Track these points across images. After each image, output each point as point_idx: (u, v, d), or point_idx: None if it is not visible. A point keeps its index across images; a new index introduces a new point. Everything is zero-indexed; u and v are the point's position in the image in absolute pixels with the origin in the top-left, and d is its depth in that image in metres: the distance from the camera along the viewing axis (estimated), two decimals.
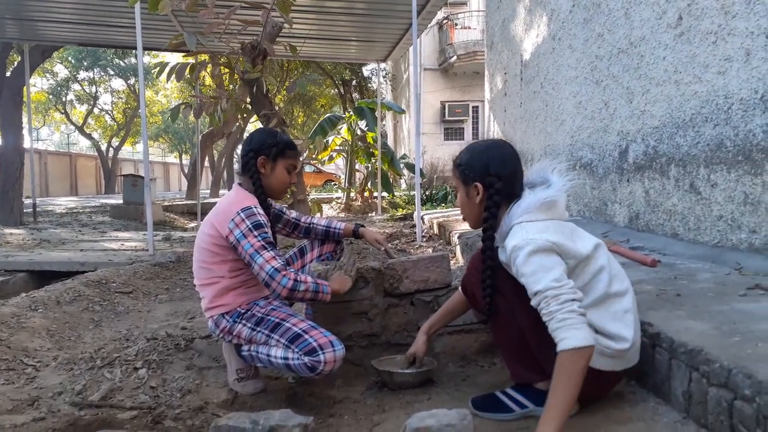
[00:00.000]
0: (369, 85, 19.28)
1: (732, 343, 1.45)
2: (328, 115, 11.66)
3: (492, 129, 7.29)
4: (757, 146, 2.43)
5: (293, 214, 2.46)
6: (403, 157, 13.31)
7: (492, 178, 1.62)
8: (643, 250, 2.95)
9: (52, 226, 8.45)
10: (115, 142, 28.46)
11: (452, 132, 18.42)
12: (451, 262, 4.22)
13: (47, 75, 24.77)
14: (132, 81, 25.61)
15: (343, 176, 13.63)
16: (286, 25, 5.40)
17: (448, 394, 1.95)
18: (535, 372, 1.65)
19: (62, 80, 25.57)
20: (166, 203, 12.29)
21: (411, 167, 11.75)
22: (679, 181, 3.03)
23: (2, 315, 2.97)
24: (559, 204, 1.60)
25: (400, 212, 9.17)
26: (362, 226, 2.48)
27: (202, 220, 2.30)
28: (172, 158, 43.92)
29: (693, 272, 2.39)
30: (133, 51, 14.87)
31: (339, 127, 11.26)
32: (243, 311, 2.08)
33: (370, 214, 9.86)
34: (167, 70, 5.43)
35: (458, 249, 4.61)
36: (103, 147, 28.14)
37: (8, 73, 8.90)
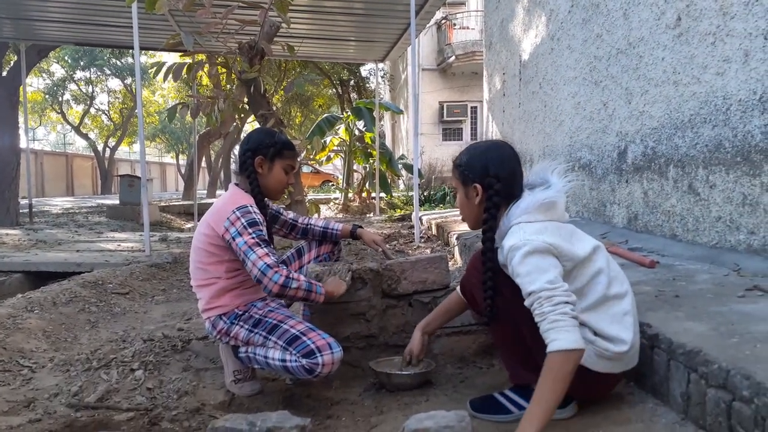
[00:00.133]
0: (367, 85, 19.30)
1: (730, 344, 1.45)
2: (325, 115, 11.67)
3: (491, 129, 7.30)
4: (755, 147, 2.43)
5: (291, 214, 2.45)
6: (402, 157, 13.33)
7: (491, 179, 1.61)
8: (642, 251, 2.95)
9: (49, 226, 8.43)
10: (112, 142, 28.41)
11: (451, 132, 18.44)
12: (450, 263, 4.22)
13: (44, 75, 24.72)
14: (129, 81, 25.56)
15: (341, 177, 13.63)
16: (283, 25, 5.39)
17: (447, 395, 1.95)
18: (533, 373, 1.63)
19: (59, 80, 25.51)
20: (162, 204, 12.26)
21: (409, 168, 11.75)
22: (677, 182, 3.03)
23: None
24: (559, 205, 1.60)
25: (398, 213, 9.17)
26: (360, 227, 2.47)
27: (198, 220, 2.29)
28: (168, 158, 43.87)
29: (691, 273, 2.39)
30: (130, 51, 14.85)
31: (337, 127, 11.26)
32: (240, 312, 2.07)
33: (368, 215, 9.85)
34: (164, 69, 5.43)
35: (456, 250, 4.60)
36: (100, 147, 28.08)
37: (4, 73, 8.87)
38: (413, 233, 5.91)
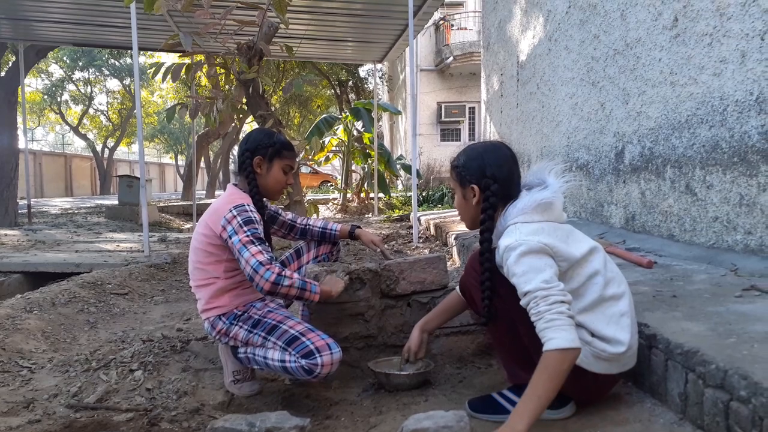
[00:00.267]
0: (365, 85, 19.30)
1: (728, 344, 1.45)
2: (324, 115, 11.67)
3: (488, 130, 7.30)
4: (752, 148, 2.44)
5: (289, 215, 2.45)
6: (400, 158, 13.33)
7: (488, 180, 1.62)
8: (639, 252, 2.95)
9: (47, 227, 8.42)
10: (111, 142, 28.38)
11: (449, 133, 18.44)
12: (448, 264, 4.23)
13: (42, 75, 24.70)
14: (127, 81, 25.55)
15: (339, 177, 13.64)
16: (282, 26, 5.39)
17: (445, 395, 1.95)
18: (530, 373, 1.64)
19: (57, 80, 25.48)
20: (161, 204, 12.25)
21: (407, 168, 11.76)
22: (674, 183, 3.04)
23: None
24: (556, 205, 1.60)
25: (396, 213, 9.17)
26: (358, 227, 2.48)
27: (197, 220, 2.29)
28: (167, 159, 43.84)
29: (689, 273, 2.40)
30: (129, 51, 14.83)
31: (335, 127, 11.27)
32: (239, 313, 2.08)
33: (366, 216, 9.86)
34: (163, 70, 5.42)
35: (455, 250, 4.61)
36: (99, 148, 28.06)
37: (3, 73, 8.88)
38: (412, 233, 5.92)
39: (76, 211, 11.47)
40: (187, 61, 5.38)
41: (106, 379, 2.22)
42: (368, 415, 1.86)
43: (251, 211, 2.01)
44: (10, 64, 9.57)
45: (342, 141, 11.24)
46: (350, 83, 18.63)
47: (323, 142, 10.90)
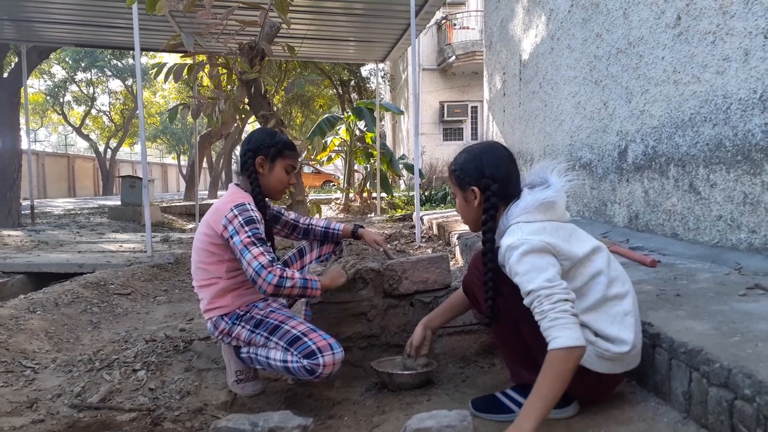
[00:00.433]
0: (367, 85, 19.29)
1: (732, 343, 1.45)
2: (326, 115, 11.66)
3: (491, 129, 7.30)
4: (756, 146, 2.43)
5: (292, 215, 2.45)
6: (402, 157, 13.33)
7: (487, 180, 1.61)
8: (643, 250, 2.95)
9: (50, 227, 8.44)
10: (113, 143, 28.44)
11: (451, 132, 18.43)
12: (451, 263, 4.22)
13: (44, 76, 24.75)
14: (129, 82, 25.58)
15: (341, 177, 13.63)
16: (284, 26, 5.39)
17: (448, 395, 1.95)
18: (535, 373, 1.64)
19: (60, 81, 25.54)
20: (164, 204, 12.27)
21: (410, 168, 11.75)
22: (678, 181, 3.03)
23: (1, 317, 2.97)
24: (559, 205, 1.60)
25: (399, 213, 9.17)
26: (361, 226, 2.48)
27: (200, 221, 2.30)
28: (170, 159, 43.92)
29: (692, 272, 2.39)
30: (131, 52, 14.86)
31: (337, 127, 11.26)
32: (242, 313, 2.08)
33: (369, 215, 9.86)
34: (165, 70, 5.43)
35: (458, 249, 4.61)
36: (101, 148, 28.12)
37: (5, 75, 8.88)
38: (414, 233, 5.91)
39: (78, 212, 11.49)
40: (189, 61, 5.40)
41: (109, 379, 2.22)
42: (371, 415, 1.86)
43: (252, 210, 2.01)
44: (13, 65, 9.59)
45: (344, 141, 11.24)
46: (352, 83, 18.63)
47: (325, 141, 10.89)
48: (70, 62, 23.92)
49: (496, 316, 1.66)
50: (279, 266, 1.91)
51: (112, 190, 25.70)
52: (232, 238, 1.94)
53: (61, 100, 26.44)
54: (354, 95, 18.74)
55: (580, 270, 1.53)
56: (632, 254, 2.73)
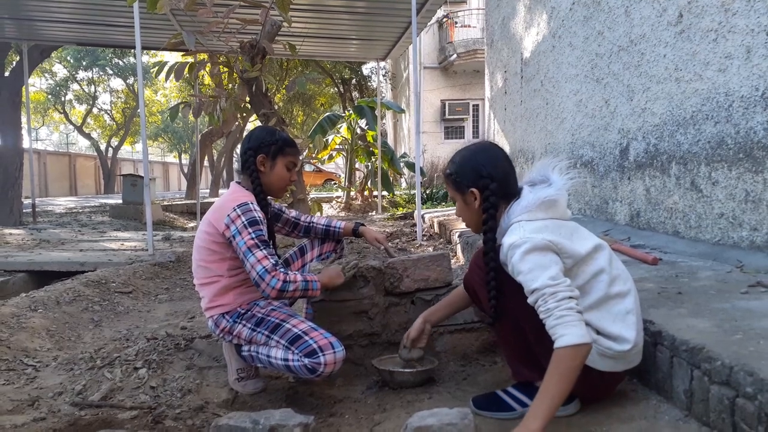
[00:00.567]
0: (369, 83, 19.28)
1: (733, 340, 1.44)
2: (327, 114, 11.66)
3: (492, 127, 7.29)
4: (758, 144, 2.43)
5: (293, 213, 2.45)
6: (403, 155, 13.31)
7: (486, 180, 1.61)
8: (644, 248, 2.94)
9: (52, 226, 8.45)
10: (115, 141, 28.46)
11: (453, 130, 18.41)
12: (452, 261, 4.22)
13: (46, 75, 24.77)
14: (131, 80, 25.60)
15: (343, 175, 13.63)
16: (285, 24, 5.39)
17: (449, 393, 1.95)
18: (536, 370, 1.64)
19: (61, 80, 25.56)
20: (165, 203, 12.28)
21: (411, 166, 11.75)
22: (680, 179, 3.02)
23: (2, 315, 2.97)
24: (560, 203, 1.59)
25: (400, 211, 9.17)
26: (362, 225, 2.47)
27: (201, 219, 2.30)
28: (171, 158, 43.92)
29: (694, 270, 2.39)
30: (132, 50, 14.86)
31: (339, 126, 11.26)
32: (243, 311, 2.08)
33: (370, 213, 9.86)
34: (166, 69, 5.43)
35: (459, 248, 4.60)
36: (103, 147, 28.14)
37: (7, 73, 8.89)
38: (415, 231, 5.91)
39: (80, 210, 11.51)
40: (190, 59, 5.38)
41: (110, 377, 2.22)
42: (372, 413, 1.86)
43: (255, 210, 2.00)
44: (14, 64, 9.59)
45: (345, 139, 11.24)
46: (353, 81, 18.62)
47: (327, 140, 10.89)
48: (72, 61, 23.94)
49: (498, 315, 1.65)
50: (282, 270, 1.92)
51: (113, 188, 25.73)
52: (234, 238, 1.94)
53: (63, 98, 26.46)
54: (355, 94, 18.73)
55: (582, 268, 1.53)
56: (634, 252, 2.72)
